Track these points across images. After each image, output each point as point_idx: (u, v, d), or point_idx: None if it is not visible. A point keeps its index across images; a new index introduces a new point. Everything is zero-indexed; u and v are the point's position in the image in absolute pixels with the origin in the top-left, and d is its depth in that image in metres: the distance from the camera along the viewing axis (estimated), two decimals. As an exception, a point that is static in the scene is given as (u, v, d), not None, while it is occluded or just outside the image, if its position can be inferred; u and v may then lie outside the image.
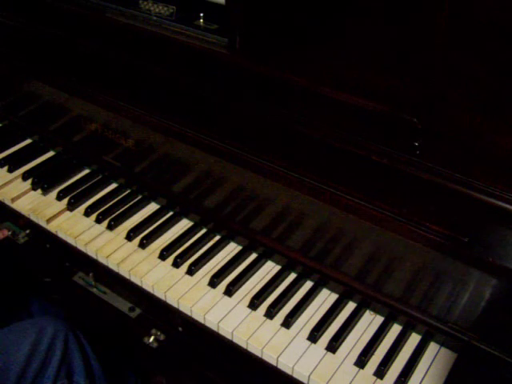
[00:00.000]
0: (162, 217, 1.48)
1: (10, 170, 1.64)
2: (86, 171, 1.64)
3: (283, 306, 1.26)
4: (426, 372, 1.15)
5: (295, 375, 1.15)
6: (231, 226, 1.40)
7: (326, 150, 1.18)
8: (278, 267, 1.36)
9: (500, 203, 1.00)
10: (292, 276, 1.34)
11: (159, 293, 1.30)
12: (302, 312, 1.25)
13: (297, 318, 1.24)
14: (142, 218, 1.47)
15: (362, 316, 1.26)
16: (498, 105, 0.97)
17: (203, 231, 1.45)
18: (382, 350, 1.18)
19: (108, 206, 1.51)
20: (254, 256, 1.38)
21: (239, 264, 1.36)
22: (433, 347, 1.20)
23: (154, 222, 1.46)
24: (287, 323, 1.22)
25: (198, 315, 1.25)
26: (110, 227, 1.44)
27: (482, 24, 0.93)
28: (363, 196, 1.12)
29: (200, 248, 1.40)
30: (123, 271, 1.35)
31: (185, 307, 1.27)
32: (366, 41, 1.07)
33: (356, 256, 1.20)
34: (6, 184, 1.59)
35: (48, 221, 1.47)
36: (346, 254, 1.22)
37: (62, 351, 1.35)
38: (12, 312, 1.63)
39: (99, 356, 1.45)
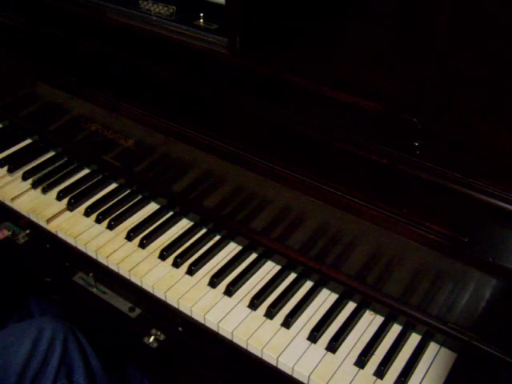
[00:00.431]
0: (162, 217, 1.49)
1: (10, 170, 1.64)
2: (86, 171, 1.64)
3: (283, 306, 1.26)
4: (426, 372, 1.15)
5: (295, 375, 1.15)
6: (231, 226, 1.40)
7: (326, 150, 1.18)
8: (278, 267, 1.36)
9: (500, 203, 1.00)
10: (292, 276, 1.34)
11: (159, 293, 1.30)
12: (302, 312, 1.25)
13: (297, 318, 1.24)
14: (142, 218, 1.47)
15: (361, 316, 1.26)
16: (498, 105, 0.97)
17: (203, 231, 1.45)
18: (382, 350, 1.18)
19: (108, 205, 1.51)
20: (254, 256, 1.38)
21: (239, 264, 1.36)
22: (433, 347, 1.20)
23: (154, 222, 1.46)
24: (287, 323, 1.22)
25: (197, 315, 1.25)
26: (110, 227, 1.45)
27: (482, 24, 0.93)
28: (363, 196, 1.12)
29: (200, 248, 1.40)
30: (123, 271, 1.35)
31: (185, 307, 1.27)
32: (366, 41, 1.07)
33: (356, 256, 1.20)
34: (5, 184, 1.59)
35: (48, 221, 1.47)
36: (345, 253, 1.22)
37: (61, 351, 1.35)
38: (12, 312, 1.63)
39: (100, 355, 1.45)
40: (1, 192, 1.56)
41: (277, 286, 1.31)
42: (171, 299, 1.28)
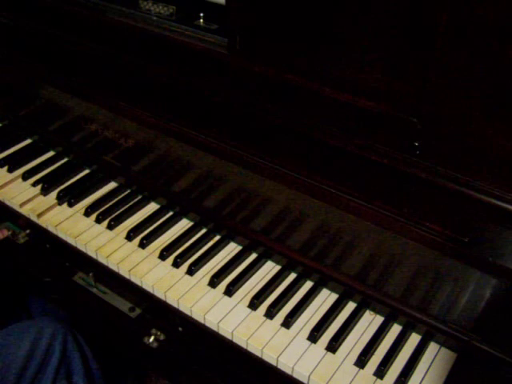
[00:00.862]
0: (162, 217, 1.49)
1: (10, 170, 1.64)
2: (86, 171, 1.64)
3: (283, 306, 1.26)
4: (426, 372, 1.15)
5: (295, 375, 1.15)
6: (231, 226, 1.40)
7: (326, 150, 1.18)
8: (278, 267, 1.36)
9: (500, 203, 1.00)
10: (292, 276, 1.34)
11: (159, 293, 1.30)
12: (302, 312, 1.25)
13: (297, 318, 1.24)
14: (142, 218, 1.47)
15: (361, 316, 1.26)
16: (498, 105, 0.97)
17: (203, 231, 1.45)
18: (382, 350, 1.18)
19: (108, 205, 1.51)
20: (254, 256, 1.38)
21: (239, 264, 1.36)
22: (433, 347, 1.20)
23: (154, 222, 1.46)
24: (287, 323, 1.22)
25: (197, 315, 1.25)
26: (110, 227, 1.45)
27: (482, 24, 0.93)
28: (363, 196, 1.12)
29: (200, 248, 1.40)
30: (123, 271, 1.35)
31: (185, 307, 1.27)
32: (366, 41, 1.07)
33: (356, 256, 1.20)
34: (5, 184, 1.59)
35: (48, 220, 1.47)
36: (345, 253, 1.22)
37: (60, 352, 1.35)
38: (12, 312, 1.63)
39: (98, 357, 1.45)
40: (1, 192, 1.56)
41: (277, 286, 1.31)
42: (171, 299, 1.28)
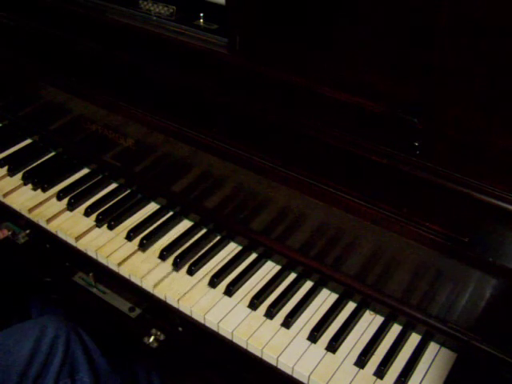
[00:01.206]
0: (162, 217, 1.48)
1: (10, 170, 1.64)
2: (86, 171, 1.64)
3: (283, 306, 1.26)
4: (426, 372, 1.15)
5: (295, 375, 1.15)
6: (231, 226, 1.40)
7: (326, 150, 1.18)
8: (278, 267, 1.36)
9: (500, 203, 1.00)
10: (292, 276, 1.34)
11: (159, 293, 1.30)
12: (302, 312, 1.25)
13: (297, 318, 1.24)
14: (142, 218, 1.47)
15: (361, 316, 1.26)
16: (498, 105, 0.97)
17: (203, 231, 1.45)
18: (382, 350, 1.18)
19: (108, 205, 1.51)
20: (254, 256, 1.38)
21: (239, 264, 1.36)
22: (433, 347, 1.20)
23: (154, 222, 1.46)
24: (287, 323, 1.22)
25: (197, 315, 1.25)
26: (110, 227, 1.45)
27: (482, 24, 0.93)
28: (363, 196, 1.12)
29: (200, 248, 1.40)
30: (123, 271, 1.35)
31: (185, 307, 1.27)
32: (366, 41, 1.07)
33: (356, 256, 1.20)
34: (5, 184, 1.59)
35: (48, 221, 1.47)
36: (345, 253, 1.22)
37: (63, 350, 1.35)
38: (12, 312, 1.63)
39: (105, 351, 1.44)
40: (0, 192, 1.56)
41: (277, 286, 1.31)
42: (171, 299, 1.28)
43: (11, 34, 1.68)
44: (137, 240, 1.41)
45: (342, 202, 1.14)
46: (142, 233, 1.43)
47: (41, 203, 1.53)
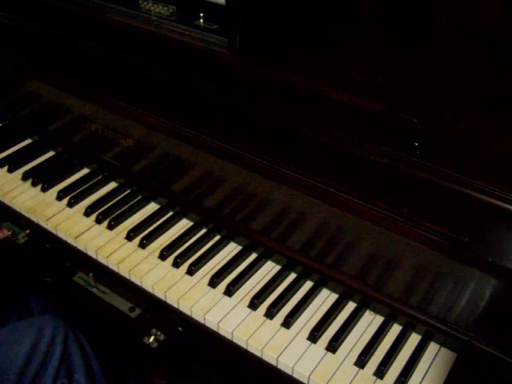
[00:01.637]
0: (162, 217, 1.48)
1: (10, 170, 1.64)
2: (86, 171, 1.64)
3: (283, 306, 1.26)
4: (426, 372, 1.15)
5: (295, 375, 1.15)
6: (231, 226, 1.40)
7: (326, 150, 1.18)
8: (278, 267, 1.36)
9: (500, 203, 1.00)
10: (292, 276, 1.34)
11: (159, 293, 1.30)
12: (302, 312, 1.25)
13: (297, 318, 1.24)
14: (142, 218, 1.47)
15: (362, 316, 1.26)
16: (499, 105, 0.97)
17: (203, 231, 1.45)
18: (382, 350, 1.18)
19: (108, 205, 1.51)
20: (254, 256, 1.38)
21: (239, 264, 1.36)
22: (433, 347, 1.20)
23: (154, 222, 1.46)
24: (287, 323, 1.22)
25: (197, 315, 1.25)
26: (110, 227, 1.45)
27: (482, 24, 0.93)
28: (363, 196, 1.12)
29: (200, 248, 1.40)
30: (123, 271, 1.35)
31: (185, 307, 1.27)
32: (366, 41, 1.07)
33: (356, 256, 1.20)
34: (5, 184, 1.59)
35: (48, 221, 1.47)
36: (345, 253, 1.22)
37: (61, 350, 1.35)
38: (12, 312, 1.63)
39: (99, 355, 1.45)
40: (1, 192, 1.56)
41: (277, 286, 1.31)
42: (171, 299, 1.28)
43: (11, 34, 1.68)
44: (137, 240, 1.41)
45: (342, 202, 1.14)
46: (141, 233, 1.43)
47: (41, 203, 1.53)
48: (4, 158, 1.68)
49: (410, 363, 1.15)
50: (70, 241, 1.43)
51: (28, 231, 1.62)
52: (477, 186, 1.02)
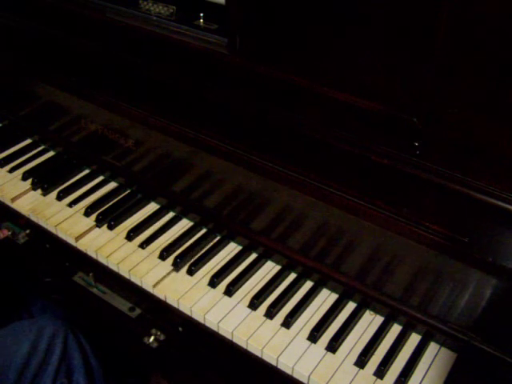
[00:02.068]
0: (162, 217, 1.48)
1: (10, 170, 1.64)
2: (86, 171, 1.64)
3: (283, 306, 1.26)
4: (426, 372, 1.15)
5: (295, 375, 1.15)
6: (231, 226, 1.40)
7: (326, 150, 1.18)
8: (278, 267, 1.36)
9: (500, 203, 1.00)
10: (292, 276, 1.34)
11: (159, 293, 1.30)
12: (302, 312, 1.25)
13: (297, 318, 1.24)
14: (143, 218, 1.47)
15: (362, 316, 1.26)
16: (499, 105, 0.97)
17: (203, 231, 1.45)
18: (382, 350, 1.18)
19: (108, 205, 1.51)
20: (254, 256, 1.38)
21: (239, 264, 1.36)
22: (433, 347, 1.20)
23: (154, 222, 1.46)
24: (287, 323, 1.22)
25: (198, 315, 1.25)
26: (110, 227, 1.45)
27: (482, 24, 0.93)
28: (363, 196, 1.12)
29: (200, 248, 1.40)
30: (123, 271, 1.35)
31: (185, 307, 1.27)
32: (366, 41, 1.07)
33: (356, 256, 1.20)
34: (5, 184, 1.59)
35: (48, 221, 1.47)
36: (345, 253, 1.22)
37: (61, 350, 1.35)
38: (12, 312, 1.63)
39: (99, 355, 1.45)
40: (1, 192, 1.56)
41: (277, 286, 1.31)
42: (171, 299, 1.28)
43: (11, 34, 1.68)
44: (137, 240, 1.41)
45: (342, 202, 1.14)
46: (142, 233, 1.43)
47: (41, 203, 1.53)
48: (4, 158, 1.67)
49: (410, 363, 1.15)
50: (70, 241, 1.43)
51: (28, 231, 1.61)
52: (477, 186, 1.02)
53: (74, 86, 1.53)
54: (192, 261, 1.35)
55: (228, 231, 1.42)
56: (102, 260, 1.38)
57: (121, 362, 1.64)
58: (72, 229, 1.44)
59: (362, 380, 1.13)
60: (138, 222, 1.46)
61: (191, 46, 1.32)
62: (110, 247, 1.39)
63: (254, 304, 1.26)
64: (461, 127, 1.02)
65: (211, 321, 1.23)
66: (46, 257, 1.67)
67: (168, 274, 1.33)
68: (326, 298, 1.29)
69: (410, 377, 1.13)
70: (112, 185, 1.59)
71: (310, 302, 1.28)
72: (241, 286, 1.31)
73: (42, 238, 1.56)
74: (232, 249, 1.40)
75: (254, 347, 1.18)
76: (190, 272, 1.33)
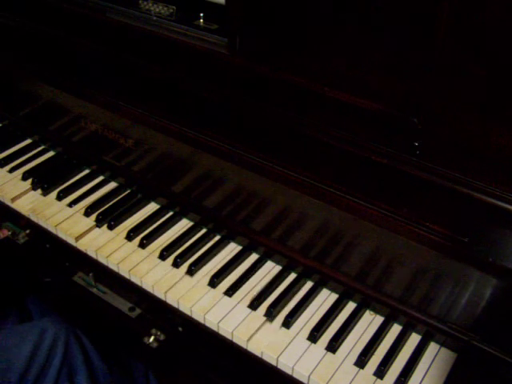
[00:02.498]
0: (162, 217, 1.48)
1: (11, 170, 1.64)
2: (86, 171, 1.64)
3: (283, 306, 1.26)
4: (426, 372, 1.15)
5: (295, 375, 1.15)
6: (231, 226, 1.40)
7: (326, 150, 1.18)
8: (278, 267, 1.36)
9: (500, 203, 1.00)
10: (292, 276, 1.34)
11: (159, 293, 1.30)
12: (302, 312, 1.25)
13: (297, 318, 1.24)
14: (142, 218, 1.47)
15: (362, 316, 1.26)
16: (498, 105, 0.97)
17: (203, 231, 1.45)
18: (382, 350, 1.18)
19: (108, 205, 1.51)
20: (254, 256, 1.38)
21: (239, 264, 1.36)
22: (433, 347, 1.20)
23: (154, 222, 1.46)
24: (287, 323, 1.22)
25: (197, 315, 1.25)
26: (110, 227, 1.45)
27: (482, 23, 0.93)
28: (363, 196, 1.12)
29: (200, 248, 1.40)
30: (123, 271, 1.35)
31: (185, 307, 1.27)
32: (366, 41, 1.07)
33: (356, 256, 1.20)
34: (5, 184, 1.59)
35: (48, 221, 1.47)
36: (345, 254, 1.22)
37: (63, 353, 1.35)
38: (12, 312, 1.63)
39: (104, 355, 1.45)
40: (1, 192, 1.56)
41: (277, 286, 1.31)
42: (171, 299, 1.28)
43: (11, 34, 1.68)
44: (137, 240, 1.41)
45: (342, 202, 1.14)
46: (142, 233, 1.43)
47: (41, 203, 1.52)
48: (4, 158, 1.67)
49: (410, 363, 1.15)
50: (70, 241, 1.43)
51: (28, 231, 1.61)
52: (477, 186, 1.02)
53: (73, 86, 1.53)
54: (192, 261, 1.35)
55: (228, 231, 1.42)
56: (102, 260, 1.38)
57: (123, 361, 1.64)
58: (72, 229, 1.44)
59: (362, 380, 1.13)
60: (138, 222, 1.46)
61: (191, 46, 1.32)
62: (109, 247, 1.39)
63: (254, 304, 1.26)
64: (461, 127, 1.02)
65: (211, 321, 1.23)
66: (45, 257, 1.67)
67: (168, 273, 1.33)
68: (326, 298, 1.29)
69: (410, 377, 1.13)
70: (112, 185, 1.59)
71: (310, 302, 1.28)
72: (241, 286, 1.31)
73: (42, 238, 1.56)
74: (232, 249, 1.40)
75: (254, 347, 1.18)
76: (190, 272, 1.33)
